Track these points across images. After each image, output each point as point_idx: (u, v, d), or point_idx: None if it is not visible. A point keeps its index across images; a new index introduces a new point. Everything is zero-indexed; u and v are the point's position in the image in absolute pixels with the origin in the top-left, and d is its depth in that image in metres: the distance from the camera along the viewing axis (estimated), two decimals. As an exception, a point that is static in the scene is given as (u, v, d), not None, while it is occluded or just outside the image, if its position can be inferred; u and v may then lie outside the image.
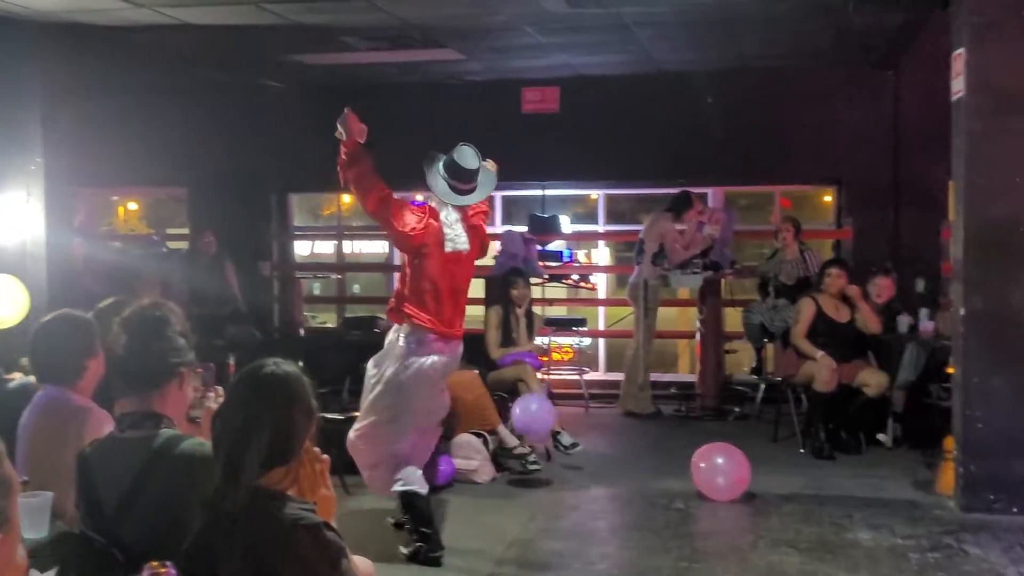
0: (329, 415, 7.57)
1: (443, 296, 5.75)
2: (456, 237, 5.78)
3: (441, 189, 5.82)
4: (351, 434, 5.93)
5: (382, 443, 5.82)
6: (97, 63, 9.99)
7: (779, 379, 9.07)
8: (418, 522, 5.73)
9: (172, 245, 12.27)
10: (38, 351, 4.03)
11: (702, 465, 7.04)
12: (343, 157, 5.76)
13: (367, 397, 5.87)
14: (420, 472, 5.91)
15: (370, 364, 5.90)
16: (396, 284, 6.01)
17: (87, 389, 3.94)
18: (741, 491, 6.95)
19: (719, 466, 6.99)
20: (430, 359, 5.73)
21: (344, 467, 7.21)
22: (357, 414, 7.87)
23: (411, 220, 5.75)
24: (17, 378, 6.78)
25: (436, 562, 5.64)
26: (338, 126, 5.80)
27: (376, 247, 16.71)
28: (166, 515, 2.93)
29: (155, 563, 2.46)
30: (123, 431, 3.13)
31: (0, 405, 5.93)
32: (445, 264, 5.76)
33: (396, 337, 5.81)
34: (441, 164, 5.89)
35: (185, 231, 12.75)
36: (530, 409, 7.73)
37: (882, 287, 8.95)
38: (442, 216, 5.79)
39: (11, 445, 3.89)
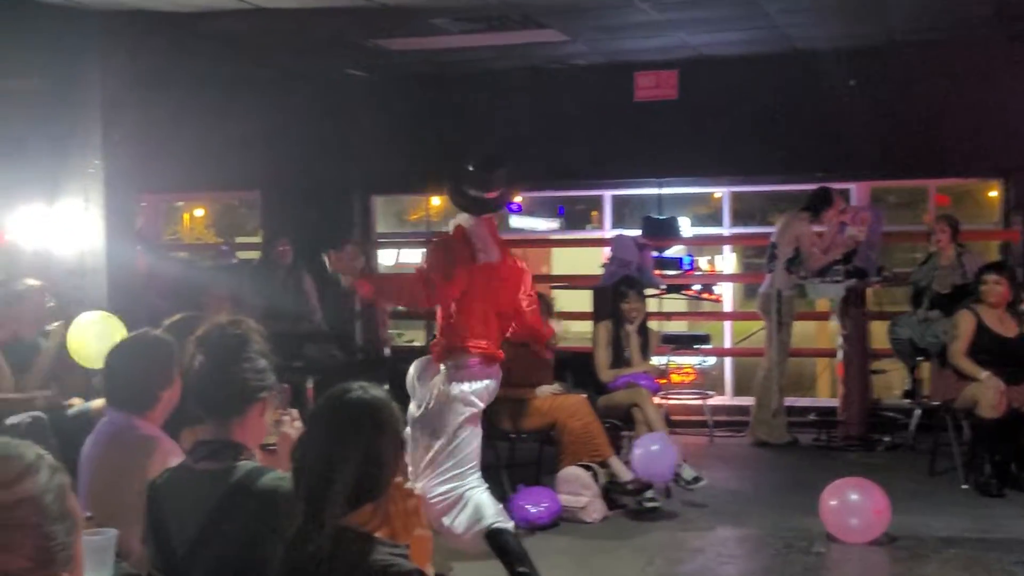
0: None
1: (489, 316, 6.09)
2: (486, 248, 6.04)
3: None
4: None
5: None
6: (162, 56, 10.26)
7: (936, 403, 8.90)
8: (514, 562, 5.77)
9: (243, 255, 12.51)
10: (110, 373, 4.13)
11: (833, 503, 6.94)
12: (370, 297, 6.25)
13: (427, 459, 6.00)
14: (492, 502, 6.03)
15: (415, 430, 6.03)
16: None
17: (157, 418, 4.03)
18: (877, 534, 6.84)
19: (853, 504, 6.89)
20: (484, 384, 6.07)
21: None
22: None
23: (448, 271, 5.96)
24: (77, 404, 7.02)
25: None
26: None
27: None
28: (242, 556, 2.97)
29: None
30: (197, 461, 3.18)
31: (59, 433, 6.15)
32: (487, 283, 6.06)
33: (443, 380, 6.03)
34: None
35: (257, 239, 12.98)
36: (651, 450, 7.68)
37: (993, 284, 8.67)
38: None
39: (73, 476, 4.01)
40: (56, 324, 7.23)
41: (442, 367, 6.03)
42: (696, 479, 8.05)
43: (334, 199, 12.50)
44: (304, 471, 2.70)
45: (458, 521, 5.91)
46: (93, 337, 6.70)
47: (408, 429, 5.90)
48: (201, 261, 12.87)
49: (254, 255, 11.80)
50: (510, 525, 5.94)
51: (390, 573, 2.57)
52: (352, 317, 12.36)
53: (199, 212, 17.22)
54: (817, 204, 10.19)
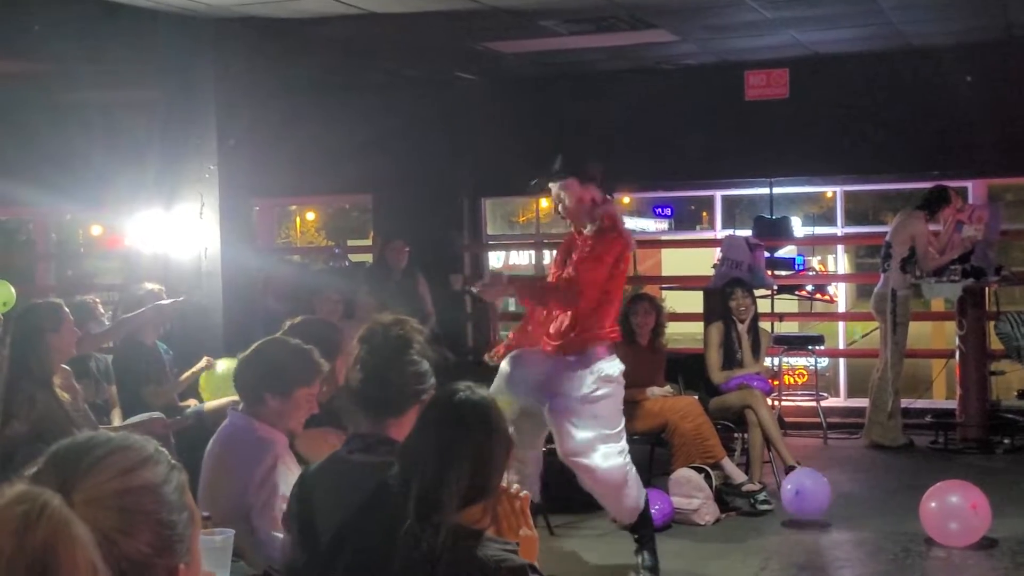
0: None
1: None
2: None
3: None
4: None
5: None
6: (275, 61, 10.43)
7: (1058, 405, 8.66)
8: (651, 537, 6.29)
9: (354, 258, 12.65)
10: (236, 373, 4.19)
11: (933, 505, 6.78)
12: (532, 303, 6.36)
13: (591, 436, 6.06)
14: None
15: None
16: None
17: (278, 420, 4.05)
18: (977, 538, 6.66)
19: (952, 507, 6.72)
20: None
21: (548, 506, 7.29)
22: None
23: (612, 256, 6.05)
24: (192, 405, 7.16)
25: None
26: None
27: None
28: (382, 553, 2.99)
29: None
30: (351, 453, 3.21)
31: (175, 433, 6.28)
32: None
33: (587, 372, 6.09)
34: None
35: (367, 243, 13.11)
36: (804, 485, 7.52)
37: None
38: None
39: (192, 475, 4.08)
40: (202, 364, 7.37)
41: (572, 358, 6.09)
42: (764, 501, 7.94)
43: (444, 201, 12.57)
44: (414, 472, 2.71)
45: (628, 492, 6.13)
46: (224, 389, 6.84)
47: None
48: (314, 264, 13.03)
49: (366, 258, 11.91)
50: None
51: (503, 568, 2.59)
52: (464, 319, 12.43)
53: (310, 216, 17.48)
54: (933, 202, 9.99)
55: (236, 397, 6.12)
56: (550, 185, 6.29)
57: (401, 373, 3.24)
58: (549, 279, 6.36)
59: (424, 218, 12.15)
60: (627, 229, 6.25)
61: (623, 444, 6.14)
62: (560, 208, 6.23)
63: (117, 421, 6.60)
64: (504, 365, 6.37)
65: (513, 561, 2.61)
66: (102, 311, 7.69)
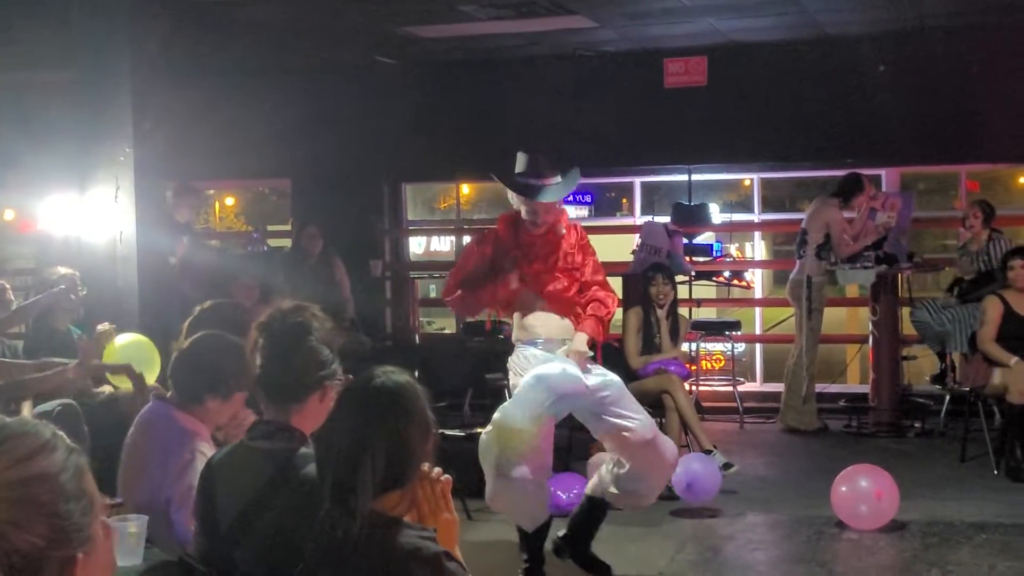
0: (449, 432, 7.65)
1: None
2: None
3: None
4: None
5: None
6: (193, 43, 10.28)
7: (967, 389, 8.83)
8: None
9: (274, 243, 12.54)
10: (172, 364, 4.12)
11: (843, 489, 6.88)
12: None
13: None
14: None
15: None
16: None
17: (205, 419, 4.01)
18: (886, 521, 6.78)
19: (863, 491, 6.83)
20: None
21: (467, 490, 7.29)
22: (481, 431, 7.96)
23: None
24: (106, 391, 7.04)
25: None
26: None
27: (499, 243, 16.81)
28: (282, 541, 2.97)
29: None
30: (253, 440, 3.19)
31: (89, 419, 6.17)
32: None
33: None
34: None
35: (287, 228, 13.01)
36: (693, 469, 7.54)
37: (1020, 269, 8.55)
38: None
39: (105, 461, 4.03)
40: (106, 328, 7.25)
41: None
42: (727, 465, 8.01)
43: (364, 187, 12.51)
44: (329, 458, 2.70)
45: None
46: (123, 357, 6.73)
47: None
48: (232, 249, 12.89)
49: (285, 243, 11.80)
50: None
51: (418, 556, 2.57)
52: (383, 304, 12.38)
53: (229, 201, 17.29)
54: (847, 190, 10.12)
55: (152, 384, 6.05)
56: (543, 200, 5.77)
57: (300, 360, 3.20)
58: (510, 281, 5.85)
59: (343, 203, 12.09)
60: None
61: None
62: (545, 217, 5.80)
63: (27, 409, 6.47)
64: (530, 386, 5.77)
65: (429, 548, 2.59)
66: (11, 297, 7.56)
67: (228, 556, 3.05)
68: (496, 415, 5.75)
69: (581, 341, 5.77)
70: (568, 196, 6.57)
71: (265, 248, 12.03)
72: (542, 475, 5.80)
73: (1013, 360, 8.16)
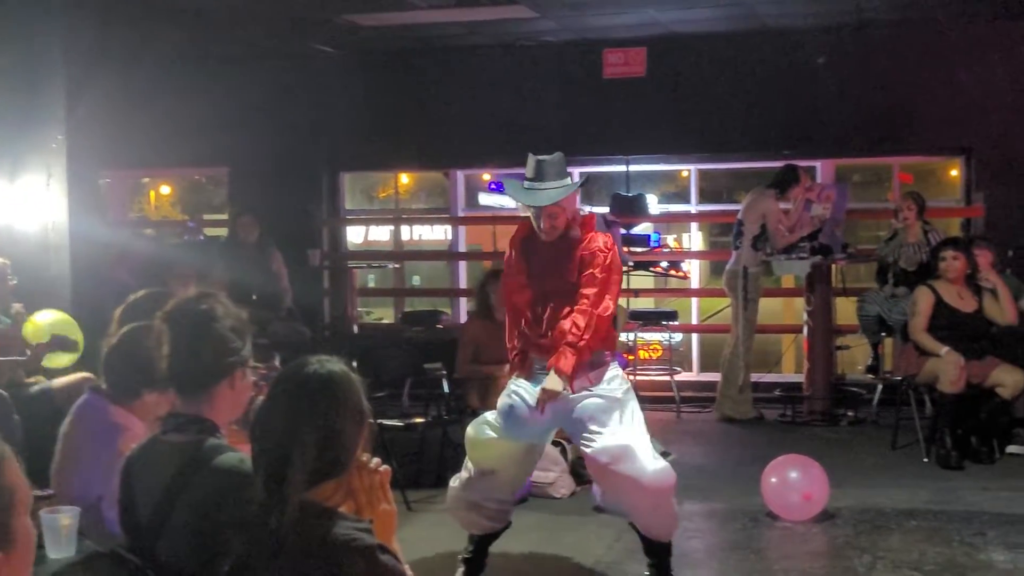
0: (388, 422, 7.64)
1: None
2: None
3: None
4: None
5: None
6: (128, 29, 10.15)
7: (899, 379, 8.96)
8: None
9: (210, 233, 12.44)
10: (106, 357, 4.08)
11: (773, 480, 6.96)
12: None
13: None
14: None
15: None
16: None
17: (142, 413, 3.98)
18: (816, 511, 6.87)
19: (793, 481, 6.90)
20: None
21: (406, 480, 7.30)
22: (420, 420, 7.96)
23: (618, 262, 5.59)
24: (40, 381, 6.96)
25: None
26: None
27: (438, 233, 16.81)
28: (200, 533, 2.96)
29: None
30: (165, 433, 3.17)
31: (21, 411, 6.10)
32: None
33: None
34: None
35: (224, 217, 12.91)
36: None
37: (952, 260, 8.70)
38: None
39: (39, 452, 3.98)
40: (18, 307, 7.17)
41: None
42: (664, 454, 8.05)
43: (302, 176, 12.44)
44: (263, 448, 2.68)
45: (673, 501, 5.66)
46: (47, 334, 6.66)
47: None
48: (169, 238, 12.77)
49: (222, 232, 11.71)
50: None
51: (352, 548, 2.55)
52: (321, 294, 12.32)
53: (165, 189, 17.10)
54: (783, 181, 10.21)
55: (85, 375, 6.00)
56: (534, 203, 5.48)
57: (206, 348, 3.15)
58: (529, 286, 5.59)
59: (281, 192, 12.02)
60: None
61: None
62: (555, 218, 5.46)
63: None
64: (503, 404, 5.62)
65: (363, 540, 2.57)
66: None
67: (152, 549, 3.03)
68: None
69: (553, 382, 5.30)
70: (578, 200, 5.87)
71: (201, 237, 11.94)
72: (498, 493, 5.70)
73: (944, 350, 8.29)
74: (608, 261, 5.41)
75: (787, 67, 11.20)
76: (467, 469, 5.74)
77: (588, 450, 5.39)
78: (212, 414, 3.17)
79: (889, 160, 12.24)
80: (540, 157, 5.59)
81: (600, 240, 5.48)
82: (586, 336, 5.29)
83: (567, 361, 5.29)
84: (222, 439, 3.15)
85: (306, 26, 10.81)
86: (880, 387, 10.16)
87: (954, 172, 12.32)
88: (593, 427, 5.35)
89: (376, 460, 2.80)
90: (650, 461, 5.31)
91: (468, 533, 5.85)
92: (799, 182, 10.18)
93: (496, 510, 5.75)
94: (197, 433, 3.11)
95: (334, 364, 2.76)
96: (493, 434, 5.61)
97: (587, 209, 11.32)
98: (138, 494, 3.12)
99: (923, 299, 8.57)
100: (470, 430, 5.74)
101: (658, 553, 5.59)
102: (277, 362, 7.69)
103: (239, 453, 3.08)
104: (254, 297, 9.75)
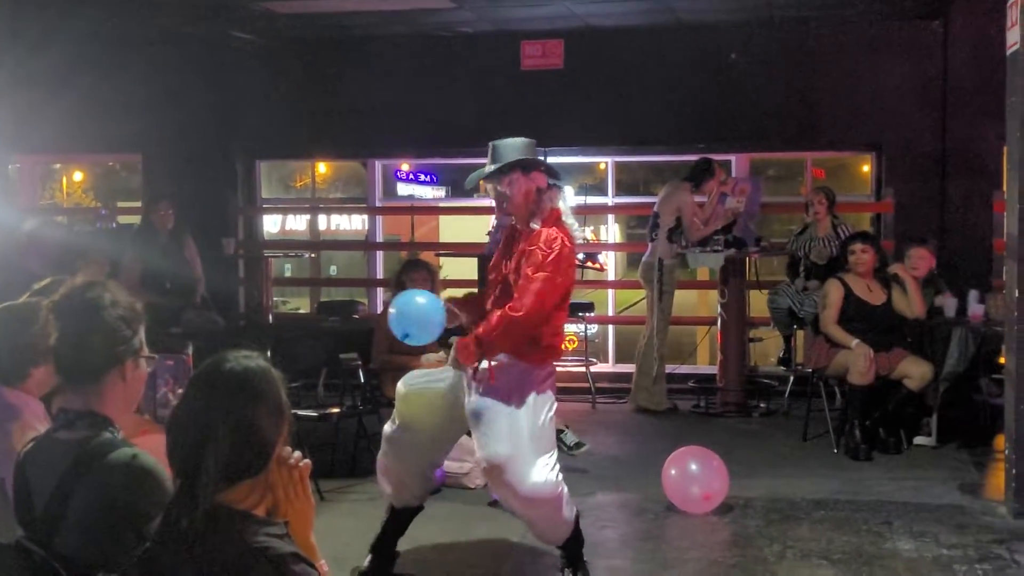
0: (302, 412, 7.60)
1: None
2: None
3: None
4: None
5: None
6: (40, 9, 9.96)
7: (810, 371, 9.08)
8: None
9: (123, 220, 12.25)
10: None
11: (673, 472, 7.03)
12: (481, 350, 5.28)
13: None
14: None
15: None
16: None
17: (33, 390, 3.92)
18: (715, 504, 6.93)
19: (693, 474, 6.97)
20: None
21: (320, 470, 7.25)
22: (335, 410, 7.91)
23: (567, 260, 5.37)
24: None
25: None
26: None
27: (355, 223, 16.72)
28: (97, 527, 2.92)
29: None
30: (57, 431, 3.10)
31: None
32: None
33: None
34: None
35: (137, 204, 12.74)
36: None
37: (917, 259, 8.96)
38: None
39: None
40: None
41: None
42: (578, 445, 8.11)
43: (217, 163, 12.31)
44: (177, 445, 2.62)
45: (563, 512, 5.52)
46: None
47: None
48: (80, 225, 12.56)
49: (135, 220, 11.54)
50: None
51: (264, 556, 2.51)
52: (236, 282, 12.21)
53: (78, 176, 16.82)
54: (699, 175, 10.29)
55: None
56: (488, 184, 5.49)
57: (93, 338, 3.08)
58: (491, 276, 5.57)
59: (196, 180, 11.89)
60: (567, 221, 5.46)
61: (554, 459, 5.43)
62: (504, 204, 5.43)
63: None
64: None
65: (276, 549, 2.52)
66: None
67: (49, 544, 2.99)
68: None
69: (454, 351, 5.36)
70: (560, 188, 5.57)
71: (114, 225, 11.75)
72: (420, 459, 5.68)
73: (854, 342, 8.42)
74: (545, 259, 5.22)
75: (702, 62, 11.30)
76: (392, 425, 5.68)
77: (477, 452, 5.39)
78: (103, 407, 3.10)
79: (802, 155, 12.41)
80: (495, 141, 5.57)
81: (543, 236, 5.29)
82: (494, 333, 5.21)
83: (463, 342, 5.29)
84: (116, 433, 3.09)
85: (223, 12, 10.69)
86: (791, 379, 10.32)
87: (865, 168, 12.52)
88: (482, 430, 5.28)
89: (297, 454, 2.77)
90: (531, 474, 5.22)
91: (388, 504, 5.82)
92: (714, 175, 10.27)
93: (419, 483, 5.73)
94: (88, 428, 3.05)
95: (252, 360, 2.71)
96: (421, 381, 5.61)
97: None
98: (33, 491, 3.07)
99: (833, 292, 8.70)
100: (400, 384, 5.68)
101: (568, 545, 5.59)
102: (190, 351, 7.61)
103: (132, 448, 3.02)
104: (168, 285, 9.63)
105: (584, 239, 5.38)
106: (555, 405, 5.53)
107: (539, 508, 5.34)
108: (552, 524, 5.46)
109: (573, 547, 5.60)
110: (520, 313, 5.19)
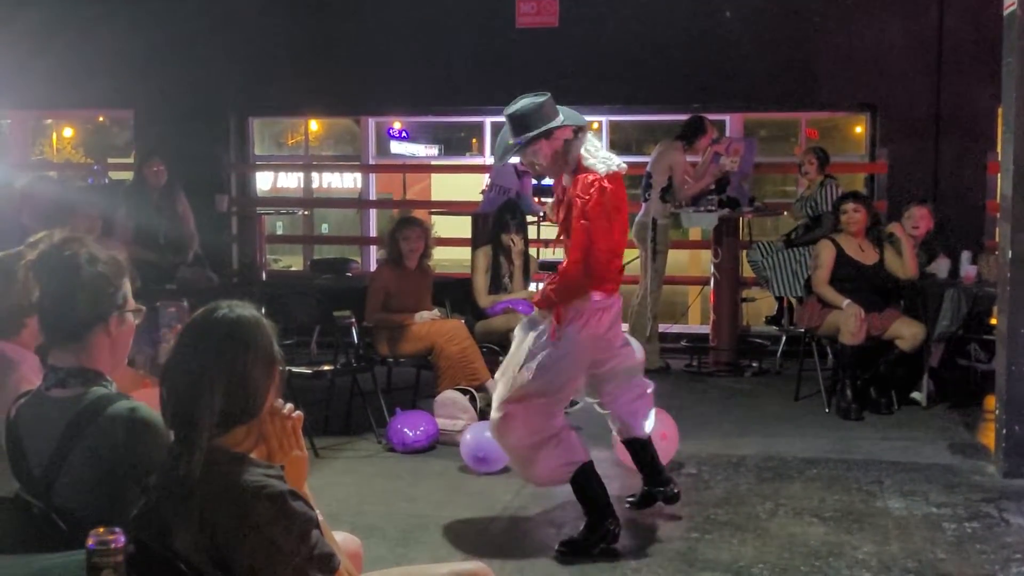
0: (296, 369, 7.62)
1: None
2: None
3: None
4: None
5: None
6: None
7: (802, 331, 9.12)
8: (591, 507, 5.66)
9: (115, 176, 12.22)
10: None
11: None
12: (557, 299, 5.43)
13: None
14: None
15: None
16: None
17: (29, 342, 3.93)
18: (670, 454, 6.88)
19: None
20: None
21: (314, 427, 7.28)
22: (329, 367, 7.93)
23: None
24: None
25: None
26: None
27: (348, 181, 16.69)
28: (98, 482, 2.92)
29: (102, 530, 2.46)
30: (49, 388, 3.10)
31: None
32: None
33: None
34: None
35: (128, 160, 12.70)
36: (484, 438, 6.89)
37: (919, 218, 8.97)
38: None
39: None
40: None
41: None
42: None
43: (210, 120, 12.25)
44: (172, 393, 2.65)
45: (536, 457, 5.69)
46: None
47: None
48: (73, 181, 12.52)
49: (127, 176, 11.51)
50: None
51: (263, 494, 2.55)
52: (229, 240, 12.19)
53: (68, 132, 16.76)
54: (690, 133, 10.26)
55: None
56: (518, 156, 5.59)
57: (76, 296, 3.06)
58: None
59: (188, 136, 11.84)
60: (588, 163, 5.43)
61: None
62: (537, 169, 5.60)
63: None
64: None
65: (273, 487, 2.57)
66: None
67: (47, 499, 3.00)
68: None
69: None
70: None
71: (107, 181, 11.72)
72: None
73: (845, 302, 8.44)
74: (585, 206, 5.30)
75: (697, 21, 11.26)
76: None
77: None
78: (92, 363, 3.10)
79: (796, 115, 12.40)
80: (509, 111, 5.54)
81: (580, 185, 5.37)
82: (557, 288, 5.39)
83: (538, 294, 5.56)
84: (109, 386, 3.10)
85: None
86: (784, 338, 10.35)
87: (859, 128, 12.51)
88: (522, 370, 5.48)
89: (289, 406, 2.79)
90: (497, 409, 5.54)
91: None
92: (706, 133, 10.24)
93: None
94: (81, 385, 3.05)
95: (244, 309, 2.74)
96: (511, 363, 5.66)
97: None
98: (28, 450, 3.06)
99: (825, 252, 8.71)
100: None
101: (583, 500, 5.66)
102: (185, 306, 7.61)
103: (130, 401, 3.02)
104: (161, 242, 9.63)
105: (620, 166, 5.39)
106: (578, 357, 5.57)
107: (501, 442, 5.69)
108: (521, 461, 5.70)
109: (586, 503, 5.64)
110: (570, 267, 5.37)
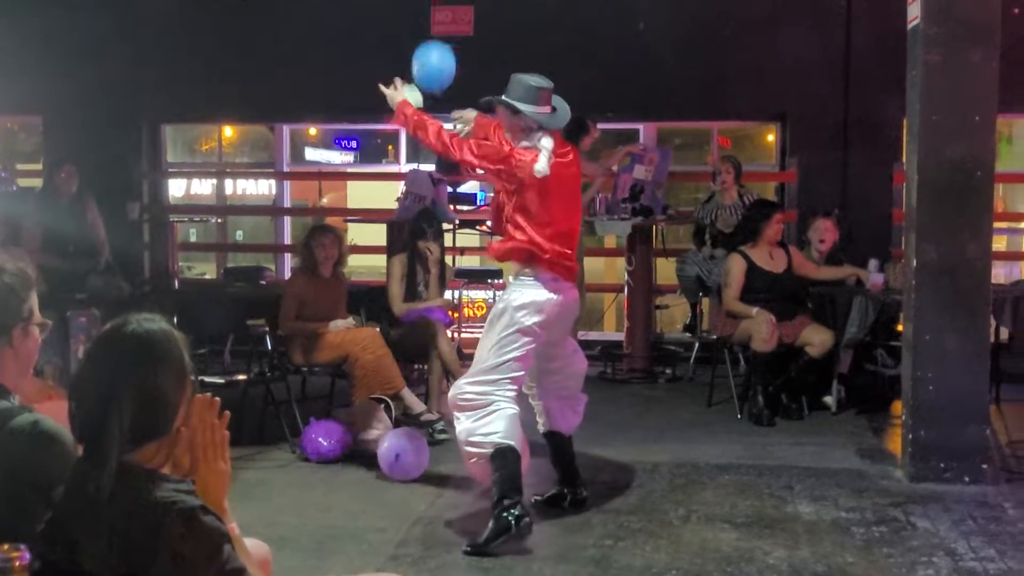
0: (209, 379, 7.53)
1: None
2: None
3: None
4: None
5: None
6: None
7: (715, 338, 9.21)
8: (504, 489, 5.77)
9: (23, 183, 12.00)
10: None
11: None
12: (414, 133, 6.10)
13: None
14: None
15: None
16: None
17: None
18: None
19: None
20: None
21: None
22: (242, 377, 7.85)
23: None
24: None
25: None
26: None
27: (263, 188, 16.55)
28: (1, 498, 2.87)
29: (7, 547, 2.42)
30: None
31: None
32: None
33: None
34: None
35: (37, 167, 12.48)
36: (401, 444, 7.02)
37: (824, 231, 9.13)
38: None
39: None
40: None
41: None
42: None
43: (121, 126, 12.09)
44: (80, 408, 2.62)
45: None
46: None
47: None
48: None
49: (36, 183, 11.31)
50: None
51: (174, 510, 2.52)
52: (141, 248, 12.03)
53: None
54: (574, 136, 10.26)
55: None
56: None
57: None
58: None
59: (100, 143, 11.67)
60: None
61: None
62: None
63: None
64: None
65: (185, 503, 2.54)
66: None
67: None
68: None
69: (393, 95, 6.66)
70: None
71: (14, 188, 11.51)
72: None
73: (755, 310, 8.55)
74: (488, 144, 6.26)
75: (612, 30, 11.32)
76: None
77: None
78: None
79: (709, 125, 12.53)
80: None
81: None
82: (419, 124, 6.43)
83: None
84: (12, 401, 3.02)
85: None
86: (697, 346, 10.44)
87: (770, 137, 12.68)
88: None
89: (227, 413, 2.77)
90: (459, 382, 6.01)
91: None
92: (588, 132, 10.15)
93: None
94: None
95: (154, 323, 2.70)
96: None
97: (414, 166, 11.31)
98: None
99: (735, 267, 8.81)
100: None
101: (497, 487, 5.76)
102: (95, 315, 7.50)
103: (33, 415, 2.96)
104: (71, 249, 9.48)
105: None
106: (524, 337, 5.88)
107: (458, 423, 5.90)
108: (464, 445, 5.87)
109: (500, 488, 5.73)
110: (459, 147, 6.36)
